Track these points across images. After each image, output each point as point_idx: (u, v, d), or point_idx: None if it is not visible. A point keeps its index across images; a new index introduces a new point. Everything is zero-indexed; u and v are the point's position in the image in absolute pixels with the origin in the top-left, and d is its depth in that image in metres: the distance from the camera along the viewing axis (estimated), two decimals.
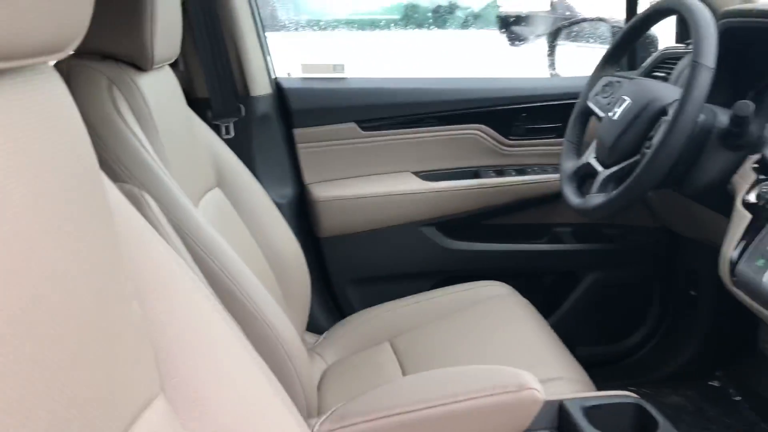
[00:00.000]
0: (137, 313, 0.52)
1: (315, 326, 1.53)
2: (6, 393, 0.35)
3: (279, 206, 1.44)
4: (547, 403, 0.89)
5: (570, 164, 1.44)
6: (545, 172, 1.77)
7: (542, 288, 1.81)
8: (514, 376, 0.91)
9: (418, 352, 1.32)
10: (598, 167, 1.33)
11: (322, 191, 1.73)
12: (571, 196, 1.39)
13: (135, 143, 1.00)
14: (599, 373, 1.26)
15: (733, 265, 1.11)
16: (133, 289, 0.52)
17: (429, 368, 1.16)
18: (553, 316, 1.77)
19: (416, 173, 1.78)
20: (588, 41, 2.26)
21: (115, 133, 0.99)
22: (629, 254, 1.84)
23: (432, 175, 1.78)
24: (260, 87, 1.67)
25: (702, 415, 1.70)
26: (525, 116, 1.78)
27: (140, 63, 1.06)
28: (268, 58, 1.71)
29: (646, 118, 1.24)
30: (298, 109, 1.72)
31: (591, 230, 1.82)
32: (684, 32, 1.31)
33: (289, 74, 1.78)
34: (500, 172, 1.79)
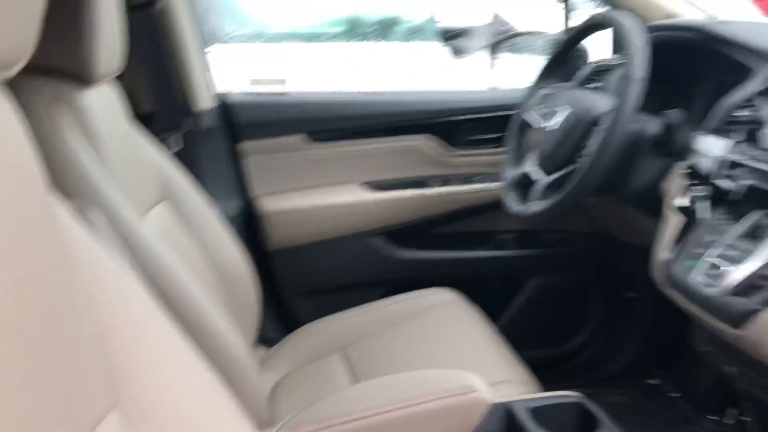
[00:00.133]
0: (89, 330, 0.52)
1: (266, 339, 1.52)
2: None
3: (227, 220, 1.43)
4: (494, 405, 0.91)
5: (512, 173, 1.48)
6: (488, 181, 1.81)
7: (489, 293, 1.84)
8: (462, 379, 0.93)
9: (369, 361, 1.33)
10: (539, 175, 1.37)
11: (270, 204, 1.73)
12: (513, 203, 1.43)
13: (81, 159, 0.99)
14: (545, 374, 1.30)
15: (664, 266, 1.17)
16: (85, 306, 0.52)
17: (380, 376, 1.17)
18: (500, 320, 1.81)
19: (365, 184, 1.80)
20: (526, 53, 2.32)
21: (61, 150, 0.97)
22: (570, 259, 1.89)
23: (380, 185, 1.80)
24: (204, 101, 1.66)
25: (642, 412, 1.76)
26: (468, 127, 1.82)
27: (84, 78, 1.04)
28: (209, 72, 1.70)
29: (582, 127, 1.29)
30: (245, 123, 1.73)
31: (534, 236, 1.87)
32: (617, 45, 1.37)
33: (234, 89, 1.78)
34: (446, 181, 1.83)
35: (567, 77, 1.54)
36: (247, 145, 1.73)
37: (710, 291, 1.04)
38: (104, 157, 1.05)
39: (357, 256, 1.80)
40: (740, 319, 0.99)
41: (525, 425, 0.91)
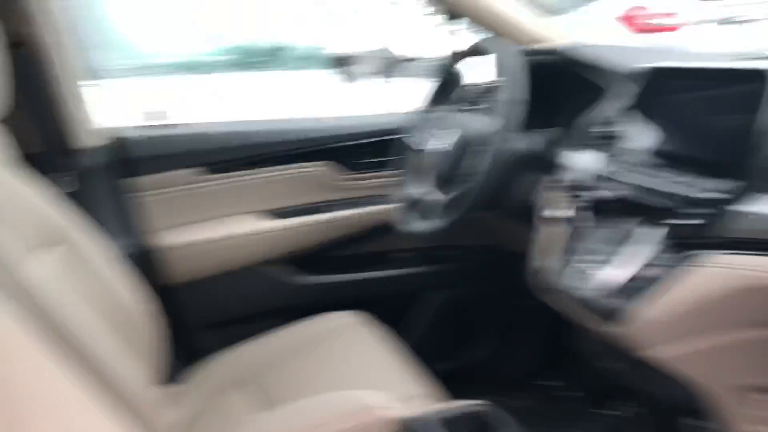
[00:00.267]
0: None
1: (172, 374, 1.49)
2: None
3: (126, 257, 1.40)
4: (403, 421, 0.94)
5: (408, 193, 1.54)
6: (387, 202, 1.86)
7: (395, 312, 1.88)
8: (369, 399, 0.95)
9: (278, 389, 1.33)
10: (435, 195, 1.43)
11: (170, 238, 1.70)
12: (411, 222, 1.49)
13: None
14: (456, 385, 1.34)
15: (539, 273, 1.26)
16: None
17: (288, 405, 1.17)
18: (409, 337, 1.85)
19: (265, 212, 1.80)
20: (414, 78, 2.41)
21: None
22: (468, 272, 1.96)
23: (280, 213, 1.81)
24: (94, 138, 1.62)
25: (546, 414, 1.85)
26: (363, 151, 1.86)
27: None
28: (95, 108, 1.66)
29: (472, 148, 1.36)
30: (139, 158, 1.69)
31: (432, 254, 1.93)
32: (498, 69, 1.45)
33: (125, 124, 1.75)
34: (345, 205, 1.86)
35: (454, 101, 1.62)
36: (143, 180, 1.69)
37: (581, 293, 1.13)
38: None
39: (260, 285, 1.79)
40: (609, 317, 1.08)
41: None
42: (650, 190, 1.09)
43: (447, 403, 1.18)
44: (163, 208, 1.71)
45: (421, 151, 1.54)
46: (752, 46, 5.07)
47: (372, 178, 1.88)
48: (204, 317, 1.77)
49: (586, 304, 1.13)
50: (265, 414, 1.18)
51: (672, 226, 1.04)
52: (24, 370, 0.58)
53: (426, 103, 1.62)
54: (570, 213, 1.23)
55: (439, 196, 1.42)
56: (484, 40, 1.52)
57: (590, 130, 1.28)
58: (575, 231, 1.21)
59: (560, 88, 1.48)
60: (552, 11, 2.91)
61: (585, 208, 1.20)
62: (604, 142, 1.23)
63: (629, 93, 1.25)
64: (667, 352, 1.07)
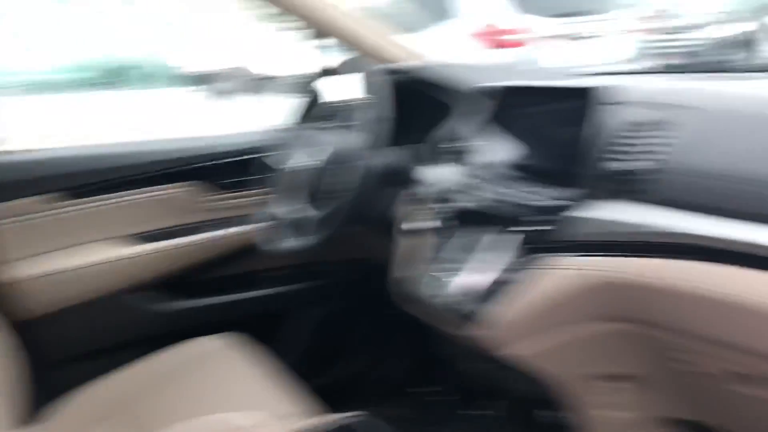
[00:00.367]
0: None
1: (34, 411, 1.40)
2: None
3: None
4: None
5: (279, 210, 1.55)
6: (254, 221, 1.85)
7: (269, 331, 1.87)
8: (242, 420, 0.94)
9: (149, 419, 1.29)
10: (306, 211, 1.46)
11: (25, 269, 1.60)
12: (284, 240, 1.50)
13: None
14: (334, 399, 1.36)
15: (398, 283, 1.33)
16: None
17: None
18: (284, 355, 1.85)
19: (128, 237, 1.74)
20: (277, 95, 2.42)
21: None
22: (340, 287, 1.99)
23: (145, 237, 1.75)
24: None
25: (419, 421, 1.91)
26: (229, 171, 1.84)
27: None
28: None
29: (342, 164, 1.40)
30: None
31: (303, 270, 1.94)
32: (365, 87, 1.50)
33: None
34: (212, 226, 1.83)
35: (316, 117, 1.65)
36: None
37: (438, 300, 1.20)
38: None
39: (126, 314, 1.73)
40: (466, 320, 1.16)
41: None
42: (502, 201, 1.17)
43: (323, 417, 1.20)
44: (17, 238, 1.61)
45: (291, 168, 1.55)
46: (594, 59, 5.55)
47: (238, 197, 1.86)
48: (67, 350, 1.67)
49: (443, 309, 1.19)
50: None
51: (525, 232, 1.12)
52: None
53: (292, 120, 1.64)
54: (428, 225, 1.29)
55: (312, 213, 1.44)
56: (350, 59, 1.57)
57: (441, 145, 1.36)
58: (434, 242, 1.27)
59: (413, 105, 1.55)
60: (409, 29, 3.03)
61: (443, 220, 1.27)
62: (456, 156, 1.32)
63: (477, 110, 1.33)
64: (521, 350, 1.16)
